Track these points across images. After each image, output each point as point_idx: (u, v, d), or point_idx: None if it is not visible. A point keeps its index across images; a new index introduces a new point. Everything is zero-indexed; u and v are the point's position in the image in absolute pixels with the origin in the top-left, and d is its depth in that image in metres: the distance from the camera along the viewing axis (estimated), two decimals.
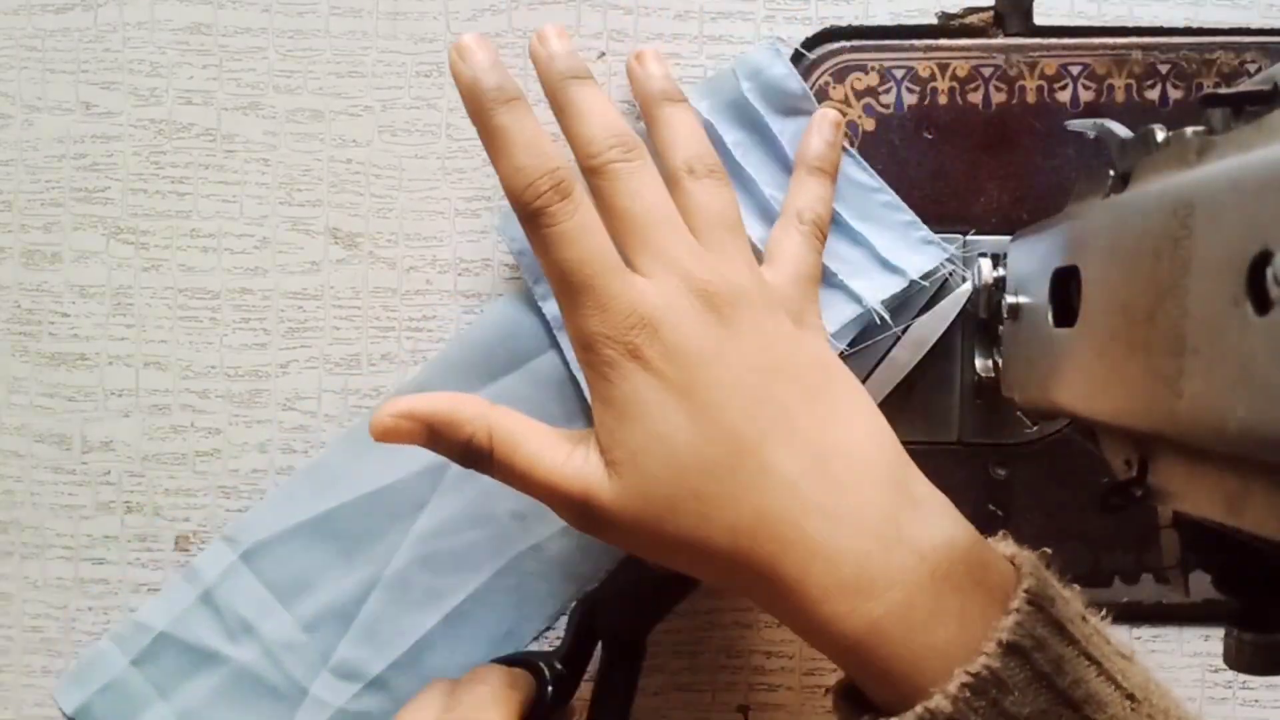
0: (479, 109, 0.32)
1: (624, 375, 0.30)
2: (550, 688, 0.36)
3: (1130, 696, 0.28)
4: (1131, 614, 0.40)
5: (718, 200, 0.34)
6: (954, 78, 0.40)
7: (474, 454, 0.32)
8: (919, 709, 0.27)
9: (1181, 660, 0.41)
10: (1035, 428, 0.39)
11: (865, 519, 0.29)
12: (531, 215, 0.31)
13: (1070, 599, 0.30)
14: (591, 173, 0.33)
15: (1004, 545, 0.31)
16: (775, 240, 0.36)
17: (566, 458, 0.31)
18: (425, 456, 0.40)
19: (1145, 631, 0.41)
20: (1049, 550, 0.31)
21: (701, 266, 0.32)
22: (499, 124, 0.32)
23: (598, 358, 0.30)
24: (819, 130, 0.38)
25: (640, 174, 0.32)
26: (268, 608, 0.41)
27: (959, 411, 0.40)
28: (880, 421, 0.32)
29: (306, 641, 0.41)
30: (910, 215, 0.39)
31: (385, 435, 0.32)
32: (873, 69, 0.40)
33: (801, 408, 0.31)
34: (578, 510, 0.31)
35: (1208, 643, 0.40)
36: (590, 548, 0.40)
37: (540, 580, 0.41)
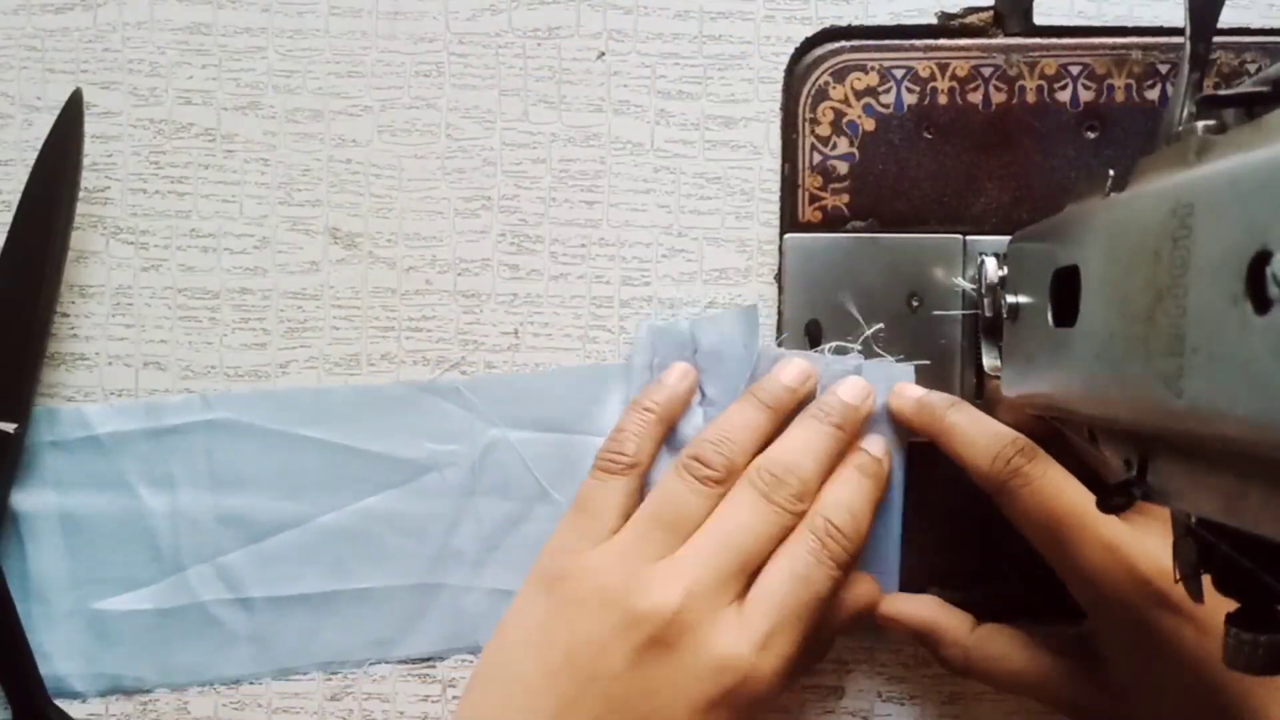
0: (931, 418, 0.36)
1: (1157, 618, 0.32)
2: None
3: None
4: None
5: (743, 519, 0.35)
6: (954, 78, 0.40)
7: (947, 665, 0.37)
8: None
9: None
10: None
11: None
12: (1006, 480, 0.34)
13: None
14: (1006, 476, 0.34)
15: None
16: None
17: (1051, 667, 0.35)
18: (419, 450, 0.41)
19: None
20: None
21: None
22: (951, 421, 0.36)
23: (1134, 596, 0.32)
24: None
25: (1049, 471, 0.34)
26: (199, 479, 0.41)
27: None
28: None
29: (212, 529, 0.41)
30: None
31: (885, 624, 0.38)
32: (873, 69, 0.40)
33: None
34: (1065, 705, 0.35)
35: None
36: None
37: (441, 618, 0.41)
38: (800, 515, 0.35)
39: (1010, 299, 0.35)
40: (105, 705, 0.42)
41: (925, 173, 0.40)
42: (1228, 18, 0.40)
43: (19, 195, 0.40)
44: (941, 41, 0.40)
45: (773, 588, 0.33)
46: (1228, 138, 0.22)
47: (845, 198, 0.40)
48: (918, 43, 0.40)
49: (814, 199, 0.41)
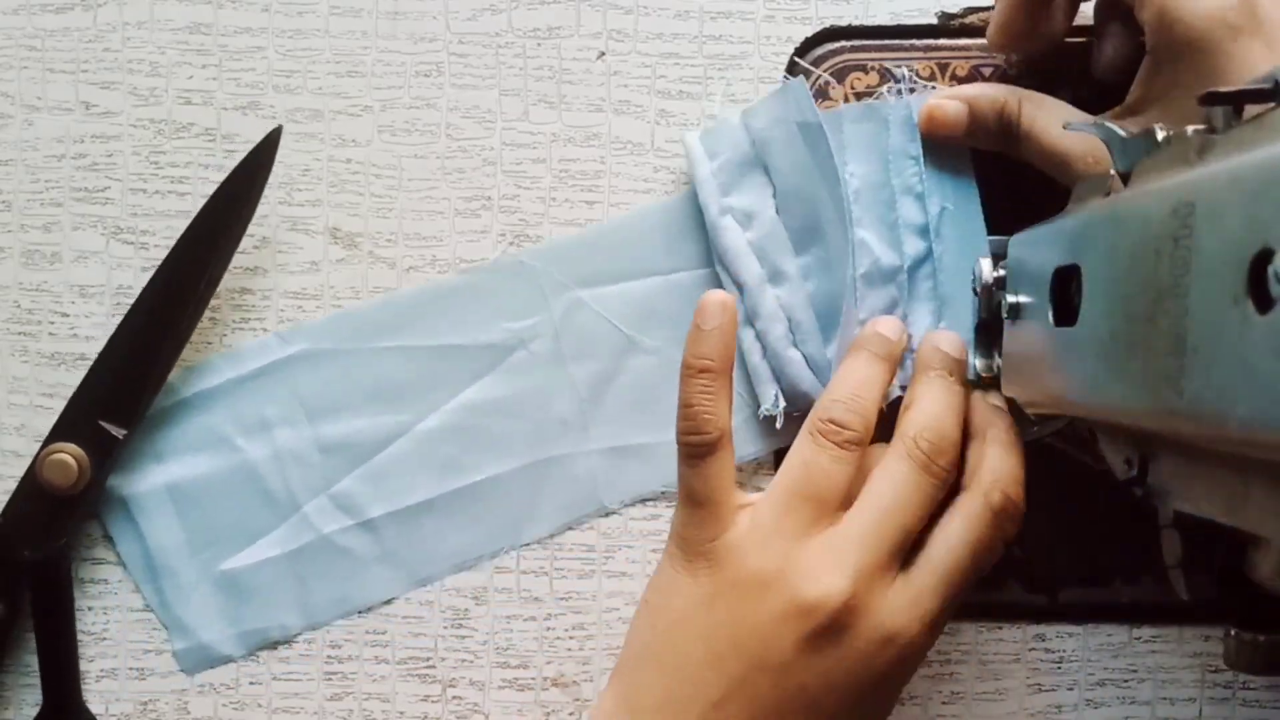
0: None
1: None
2: None
3: None
4: (1131, 614, 0.40)
5: (903, 494, 0.34)
6: (954, 78, 0.40)
7: (1006, 122, 0.36)
8: None
9: (1181, 660, 0.41)
10: (1035, 427, 0.39)
11: None
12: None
13: None
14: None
15: None
16: None
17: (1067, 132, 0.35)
18: (500, 332, 0.41)
19: (1145, 631, 0.41)
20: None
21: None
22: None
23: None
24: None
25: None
26: (293, 416, 0.41)
27: None
28: None
29: (318, 461, 0.41)
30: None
31: (931, 120, 0.38)
32: (873, 69, 0.40)
33: None
34: None
35: (1208, 643, 0.40)
36: (615, 480, 0.41)
37: (559, 489, 0.41)
38: (951, 480, 0.34)
39: (1011, 299, 0.35)
40: (105, 705, 0.42)
41: None
42: None
43: (19, 195, 0.40)
44: (941, 41, 0.40)
45: (944, 560, 0.33)
46: (1228, 137, 0.22)
47: None
48: (918, 43, 0.40)
49: None
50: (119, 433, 0.38)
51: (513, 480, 0.41)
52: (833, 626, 0.32)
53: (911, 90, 0.39)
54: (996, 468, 0.34)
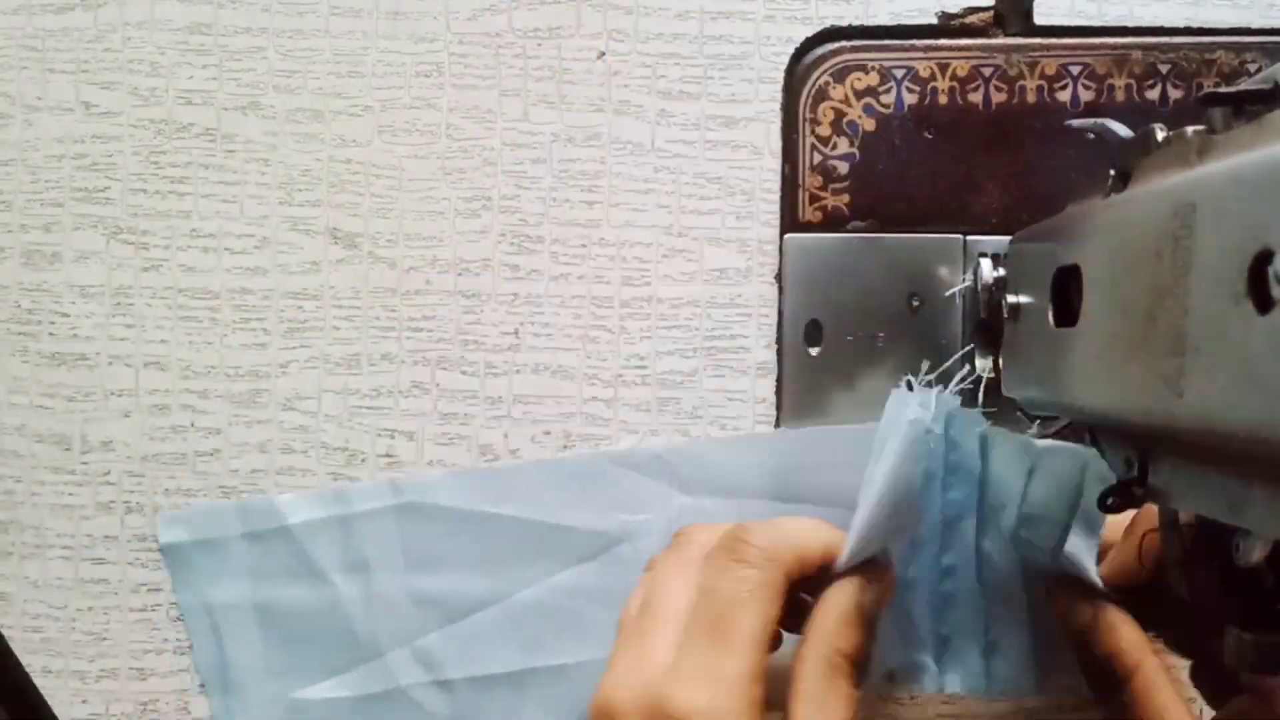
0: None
1: None
2: None
3: None
4: (1131, 614, 0.40)
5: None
6: (954, 78, 0.40)
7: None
8: None
9: (1181, 660, 0.40)
10: (1035, 428, 0.39)
11: None
12: None
13: None
14: None
15: None
16: None
17: None
18: (612, 521, 0.40)
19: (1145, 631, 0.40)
20: None
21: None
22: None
23: None
24: None
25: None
26: (392, 563, 0.41)
27: None
28: None
29: (408, 612, 0.41)
30: None
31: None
32: (873, 69, 0.40)
33: None
34: None
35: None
36: None
37: None
38: None
39: (1011, 299, 0.35)
40: (106, 705, 0.42)
41: (925, 173, 0.40)
42: (1227, 18, 0.40)
43: (19, 195, 0.40)
44: (942, 41, 0.40)
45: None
46: (1229, 137, 0.22)
47: (845, 198, 0.41)
48: (918, 43, 0.40)
49: (814, 199, 0.41)
50: None
51: (595, 670, 0.39)
52: None
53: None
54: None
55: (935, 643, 0.38)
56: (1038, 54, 0.40)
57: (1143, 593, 0.34)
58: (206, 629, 0.41)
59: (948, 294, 0.40)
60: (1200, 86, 0.40)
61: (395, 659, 0.40)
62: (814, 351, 0.41)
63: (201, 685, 0.41)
